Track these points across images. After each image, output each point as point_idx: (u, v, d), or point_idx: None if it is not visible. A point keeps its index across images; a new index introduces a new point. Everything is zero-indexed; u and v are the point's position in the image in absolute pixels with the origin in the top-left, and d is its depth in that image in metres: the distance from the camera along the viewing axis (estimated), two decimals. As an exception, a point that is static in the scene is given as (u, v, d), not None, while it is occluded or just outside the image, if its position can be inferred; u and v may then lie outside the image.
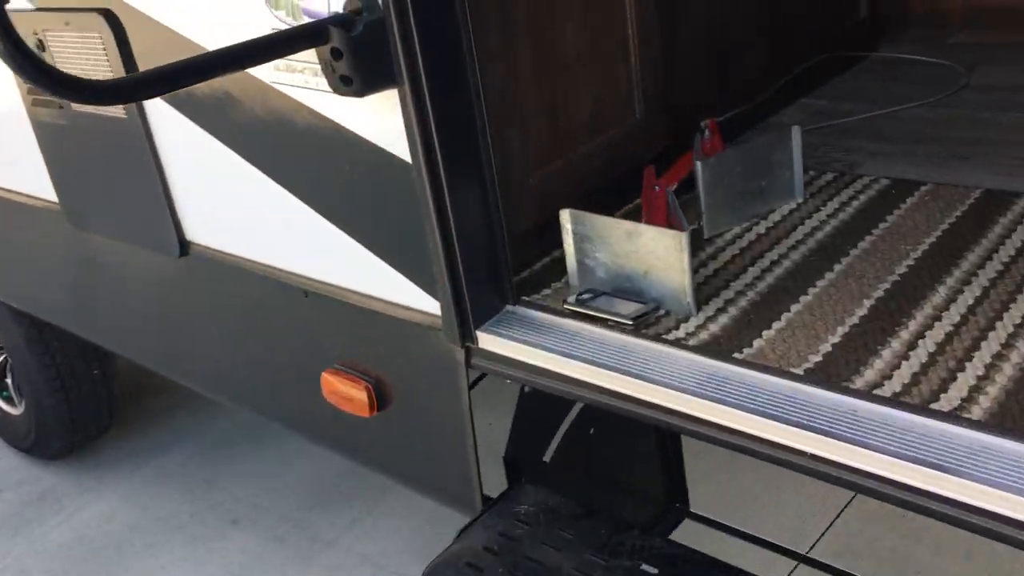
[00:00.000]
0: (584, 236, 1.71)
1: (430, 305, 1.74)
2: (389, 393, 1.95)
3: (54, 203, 2.47)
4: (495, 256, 1.69)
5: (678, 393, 1.44)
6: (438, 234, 1.63)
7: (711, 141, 2.13)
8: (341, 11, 1.51)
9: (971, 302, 1.51)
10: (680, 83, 2.11)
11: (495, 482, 1.86)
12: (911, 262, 1.66)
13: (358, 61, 1.49)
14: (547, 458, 1.77)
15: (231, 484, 3.41)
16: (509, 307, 1.73)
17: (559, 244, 1.89)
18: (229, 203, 2.06)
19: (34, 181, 2.49)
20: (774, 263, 1.73)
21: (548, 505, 1.67)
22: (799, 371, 1.42)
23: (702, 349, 1.51)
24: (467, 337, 1.70)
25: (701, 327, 1.58)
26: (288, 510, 3.22)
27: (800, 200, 1.95)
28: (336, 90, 1.54)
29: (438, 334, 1.75)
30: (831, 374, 1.40)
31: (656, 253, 1.61)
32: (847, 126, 2.31)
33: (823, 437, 1.30)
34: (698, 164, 1.81)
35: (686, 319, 1.60)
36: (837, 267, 1.68)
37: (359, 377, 1.96)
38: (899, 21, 2.94)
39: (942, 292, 1.55)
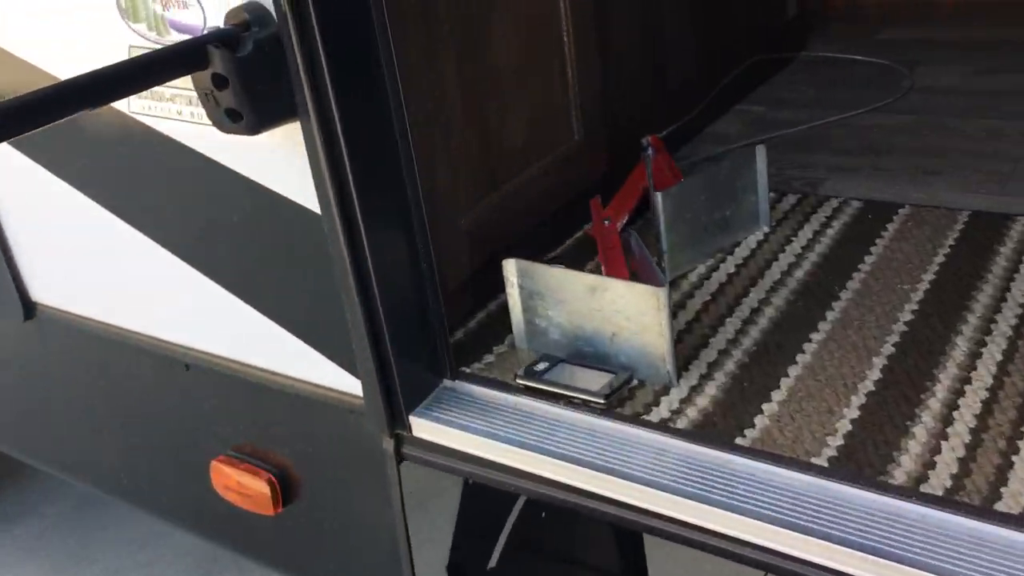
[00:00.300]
0: (533, 292, 1.41)
1: (347, 383, 1.42)
2: (297, 485, 1.61)
3: None
4: (427, 322, 1.37)
5: (670, 496, 1.16)
6: (357, 299, 1.30)
7: (656, 159, 1.87)
8: (222, 25, 1.17)
9: (999, 357, 1.29)
10: (618, 96, 1.84)
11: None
12: (914, 306, 1.42)
13: (248, 90, 1.15)
14: (493, 564, 1.47)
15: (104, 554, 2.97)
16: (447, 383, 1.42)
17: (496, 294, 1.60)
18: (85, 259, 1.67)
19: None
20: (755, 311, 1.47)
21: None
22: (821, 460, 1.16)
23: (696, 434, 1.23)
24: (397, 423, 1.38)
25: (687, 401, 1.30)
26: (172, 583, 2.82)
27: (767, 229, 1.70)
28: (221, 127, 1.19)
29: (359, 418, 1.43)
30: (861, 462, 1.14)
31: (627, 312, 1.32)
32: (795, 137, 2.09)
33: (868, 556, 1.04)
34: (658, 197, 1.54)
35: (666, 391, 1.33)
36: (830, 314, 1.43)
37: (259, 466, 1.61)
38: (822, 18, 2.76)
39: (962, 345, 1.32)
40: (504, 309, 1.56)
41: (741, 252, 1.64)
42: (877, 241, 1.61)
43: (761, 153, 1.65)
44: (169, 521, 1.90)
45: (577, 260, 1.68)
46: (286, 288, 1.42)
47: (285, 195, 1.32)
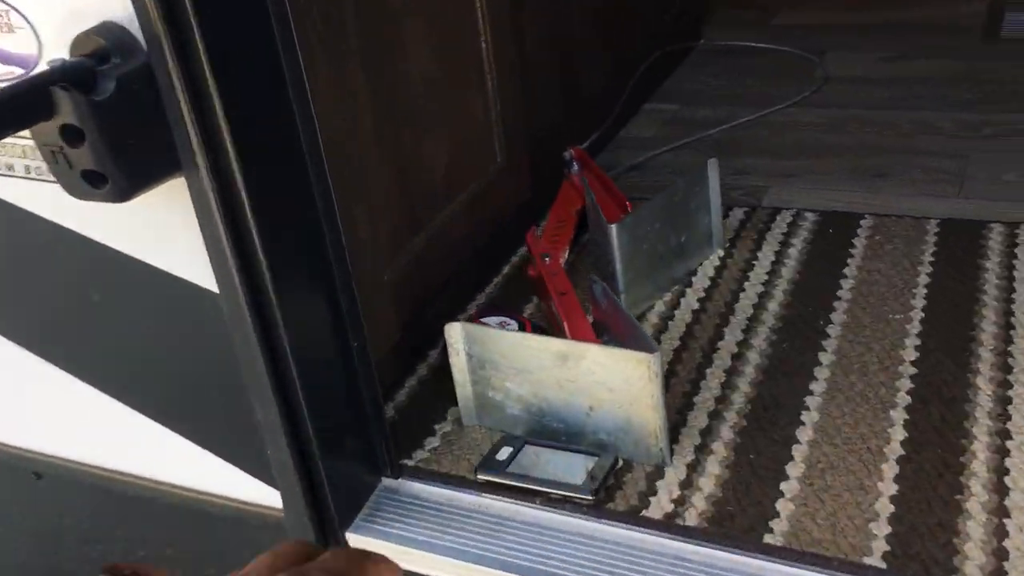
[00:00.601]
0: (485, 360, 1.15)
1: (259, 493, 1.12)
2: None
3: None
4: (359, 411, 1.10)
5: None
6: (272, 390, 1.02)
7: (582, 174, 1.64)
8: (68, 56, 0.85)
9: (1031, 400, 1.13)
10: (537, 109, 1.59)
11: None
12: (915, 340, 1.25)
13: (112, 144, 0.84)
14: None
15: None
16: (387, 482, 1.14)
17: (424, 353, 1.34)
18: None
19: None
20: (737, 357, 1.27)
21: None
22: (875, 559, 0.95)
23: (715, 535, 1.01)
24: (330, 541, 1.10)
25: (688, 485, 1.08)
26: None
27: (721, 252, 1.49)
28: (76, 193, 0.88)
29: (272, 535, 1.14)
30: (922, 558, 0.95)
31: (609, 383, 1.09)
32: (718, 139, 1.90)
33: None
34: (612, 229, 1.30)
35: (660, 472, 1.10)
36: (824, 357, 1.24)
37: (145, 591, 1.29)
38: (711, 3, 2.59)
39: (984, 388, 1.15)
40: (437, 373, 1.30)
41: (700, 282, 1.43)
42: (848, 261, 1.43)
43: (713, 168, 1.44)
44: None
45: (513, 304, 1.43)
46: (168, 378, 1.11)
47: (166, 270, 1.01)
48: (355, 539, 1.09)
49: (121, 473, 1.23)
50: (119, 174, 0.85)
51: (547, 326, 1.33)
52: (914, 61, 2.14)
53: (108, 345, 1.12)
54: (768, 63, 2.22)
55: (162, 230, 0.98)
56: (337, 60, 1.11)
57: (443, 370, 1.30)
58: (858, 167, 1.71)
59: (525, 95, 1.52)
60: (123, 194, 0.87)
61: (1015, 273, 1.35)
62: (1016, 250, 1.40)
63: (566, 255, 1.43)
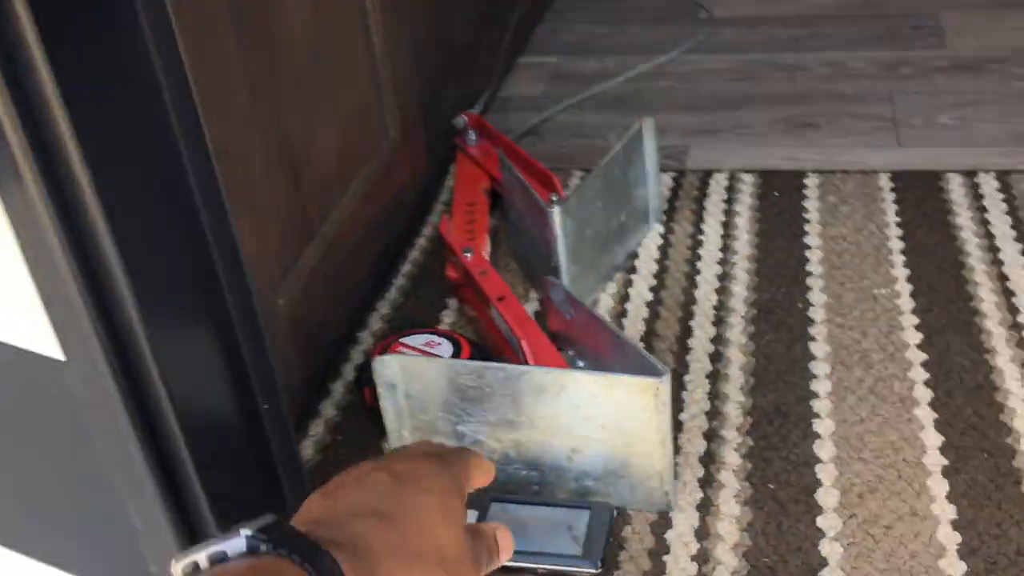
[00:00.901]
0: (430, 400, 0.89)
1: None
2: None
3: None
4: (278, 492, 0.82)
5: None
6: (154, 487, 0.73)
7: (480, 144, 1.39)
8: None
9: (1065, 381, 0.98)
10: (416, 68, 1.32)
11: None
12: (913, 319, 1.08)
13: None
14: None
15: None
16: None
17: (328, 392, 1.07)
18: None
19: None
20: (715, 357, 1.06)
21: None
22: (964, 610, 0.78)
23: (761, 599, 0.80)
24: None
25: (706, 535, 0.86)
26: None
27: (660, 228, 1.28)
28: None
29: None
30: (1014, 600, 0.78)
31: (601, 417, 0.85)
32: (616, 93, 1.68)
33: None
34: (555, 213, 1.06)
35: (666, 521, 0.88)
36: (816, 347, 1.05)
37: None
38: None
39: (1011, 371, 0.99)
40: (350, 415, 1.03)
41: (645, 267, 1.22)
42: (807, 228, 1.25)
43: (649, 129, 1.22)
44: None
45: (425, 313, 1.17)
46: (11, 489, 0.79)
47: (-17, 335, 0.69)
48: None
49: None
50: None
51: (483, 342, 1.08)
52: (796, -2, 1.99)
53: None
54: (645, 4, 2.02)
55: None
56: (202, 19, 0.81)
57: (355, 410, 1.04)
58: (783, 117, 1.53)
59: (412, 56, 1.25)
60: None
61: (991, 229, 1.21)
62: (984, 202, 1.26)
63: (488, 247, 1.18)
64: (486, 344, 1.06)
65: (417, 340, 1.03)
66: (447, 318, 1.16)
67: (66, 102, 0.58)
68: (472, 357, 1.00)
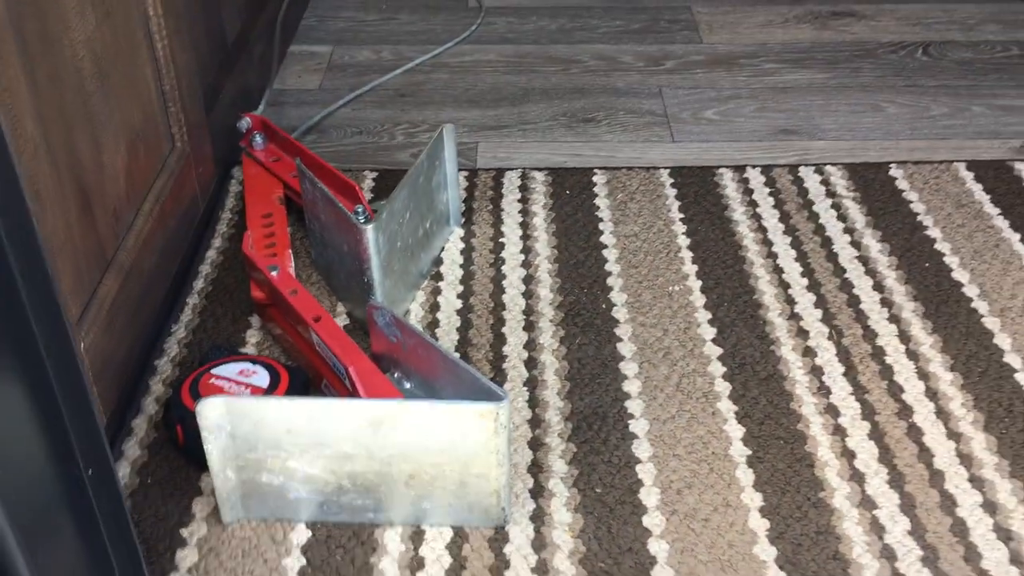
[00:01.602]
0: (259, 440, 0.86)
1: None
2: None
3: None
4: (106, 563, 0.76)
5: None
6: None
7: (267, 148, 1.34)
8: None
9: (843, 368, 1.08)
10: (203, 74, 1.24)
11: None
12: (706, 314, 1.15)
13: None
14: None
15: None
16: (149, 634, 0.82)
17: (130, 430, 1.00)
18: None
19: None
20: (530, 363, 1.09)
21: None
22: (782, 594, 0.85)
23: (604, 606, 0.84)
24: None
25: (542, 546, 0.89)
26: None
27: (460, 230, 1.29)
28: None
29: None
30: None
31: (438, 444, 0.85)
32: (396, 86, 1.67)
33: None
34: (368, 232, 1.04)
35: (502, 536, 0.90)
36: (623, 347, 1.11)
37: None
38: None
39: (794, 360, 1.09)
40: (156, 453, 0.98)
41: (451, 272, 1.22)
42: (601, 227, 1.30)
43: (450, 135, 1.22)
44: None
45: (225, 334, 1.12)
46: None
47: None
48: None
49: None
50: None
51: (298, 365, 1.04)
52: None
53: None
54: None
55: None
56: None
57: (163, 448, 0.98)
58: (564, 112, 1.58)
59: (194, 53, 1.17)
60: None
61: (763, 223, 1.31)
62: (754, 196, 1.36)
63: (292, 263, 1.14)
64: (303, 368, 1.03)
65: (230, 370, 0.98)
66: (252, 338, 1.12)
67: None
68: (292, 385, 0.97)
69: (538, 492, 0.94)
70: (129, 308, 0.98)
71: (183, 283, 1.18)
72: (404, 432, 0.85)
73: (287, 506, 0.90)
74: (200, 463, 0.92)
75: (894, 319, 1.14)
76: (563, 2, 1.98)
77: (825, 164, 1.43)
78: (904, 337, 1.12)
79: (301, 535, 0.90)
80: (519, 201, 1.36)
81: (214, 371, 0.98)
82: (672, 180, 1.40)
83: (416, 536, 0.90)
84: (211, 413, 0.84)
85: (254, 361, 1.00)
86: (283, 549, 0.89)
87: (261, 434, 0.85)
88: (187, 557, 0.88)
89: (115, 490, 0.73)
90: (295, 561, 0.88)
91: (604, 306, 1.17)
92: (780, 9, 1.92)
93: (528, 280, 1.21)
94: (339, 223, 1.09)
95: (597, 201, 1.36)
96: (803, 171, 1.41)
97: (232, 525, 0.91)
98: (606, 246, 1.27)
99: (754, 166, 1.42)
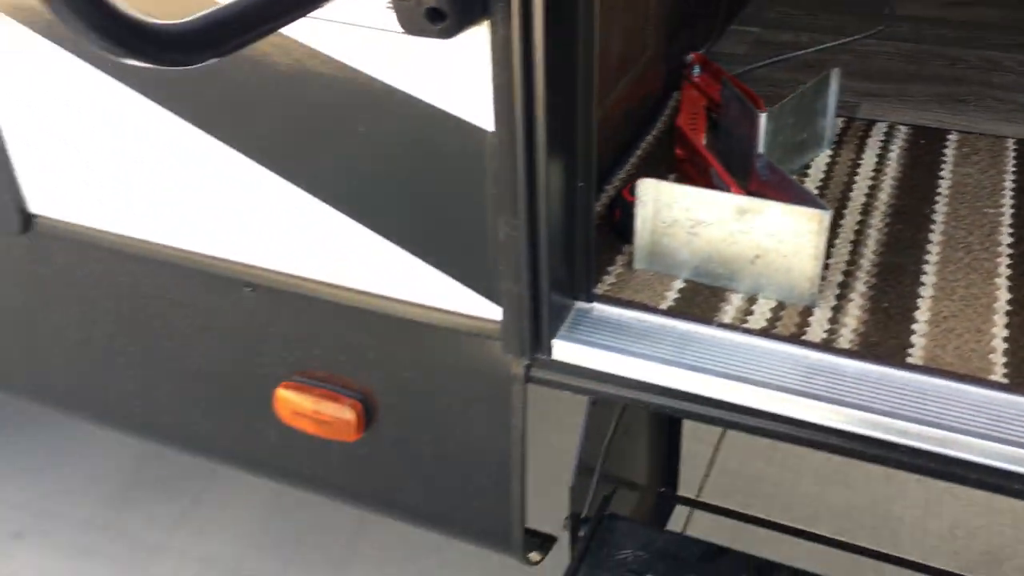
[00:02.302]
0: (668, 214, 1.38)
1: (479, 307, 1.34)
2: (376, 410, 1.52)
3: None
4: (574, 245, 1.32)
5: (875, 416, 1.18)
6: (525, 223, 1.22)
7: (701, 76, 1.86)
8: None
9: (1108, 278, 1.39)
10: (671, 19, 1.80)
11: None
12: (1008, 229, 1.50)
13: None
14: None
15: (4, 490, 2.69)
16: (581, 305, 1.37)
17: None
18: (110, 162, 1.48)
19: None
20: (858, 233, 1.51)
21: (657, 547, 1.36)
22: (999, 377, 1.21)
23: (867, 354, 1.26)
24: (539, 348, 1.33)
25: (835, 322, 1.32)
26: (89, 512, 2.56)
27: (830, 152, 1.73)
28: (412, 28, 1.07)
29: (482, 343, 1.36)
30: (1034, 379, 1.21)
31: (780, 235, 1.32)
32: (806, 60, 2.12)
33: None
34: (762, 117, 1.52)
35: (809, 312, 1.34)
36: (933, 235, 1.49)
37: (339, 392, 1.51)
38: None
39: (1069, 267, 1.41)
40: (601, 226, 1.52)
41: (816, 174, 1.67)
42: (943, 166, 1.68)
43: (835, 77, 1.67)
44: (215, 458, 1.75)
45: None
46: (417, 208, 1.31)
47: (443, 108, 1.20)
48: (561, 345, 1.32)
49: (339, 286, 1.43)
50: (456, 13, 1.05)
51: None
52: (976, 7, 2.37)
53: (359, 173, 1.31)
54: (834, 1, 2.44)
55: (441, 71, 1.17)
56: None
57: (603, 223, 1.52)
58: (940, 93, 1.95)
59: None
60: (451, 32, 1.07)
61: (1086, 185, 1.61)
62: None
63: (704, 140, 1.66)
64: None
65: (653, 186, 1.51)
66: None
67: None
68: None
69: (841, 297, 1.37)
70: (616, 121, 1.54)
71: (631, 144, 1.73)
72: (756, 224, 1.32)
73: (675, 264, 1.41)
74: (625, 236, 1.46)
75: None
76: (974, 18, 2.31)
77: None
78: None
79: (677, 285, 1.40)
80: (881, 142, 1.76)
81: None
82: (1016, 147, 1.72)
83: (751, 299, 1.37)
84: (645, 189, 1.37)
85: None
86: (664, 291, 1.39)
87: (670, 209, 1.37)
88: (607, 280, 1.42)
89: (590, 200, 1.28)
90: (668, 302, 1.38)
91: (927, 211, 1.55)
92: None
93: (872, 188, 1.62)
94: (743, 114, 1.58)
95: (945, 151, 1.72)
96: None
97: (639, 271, 1.43)
98: (943, 178, 1.64)
99: None
